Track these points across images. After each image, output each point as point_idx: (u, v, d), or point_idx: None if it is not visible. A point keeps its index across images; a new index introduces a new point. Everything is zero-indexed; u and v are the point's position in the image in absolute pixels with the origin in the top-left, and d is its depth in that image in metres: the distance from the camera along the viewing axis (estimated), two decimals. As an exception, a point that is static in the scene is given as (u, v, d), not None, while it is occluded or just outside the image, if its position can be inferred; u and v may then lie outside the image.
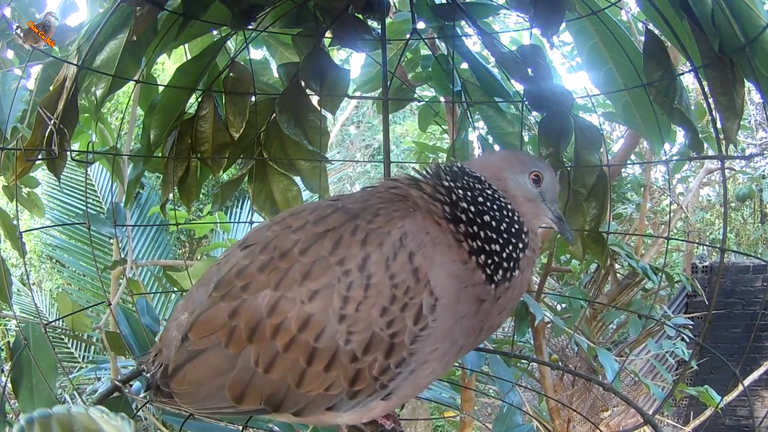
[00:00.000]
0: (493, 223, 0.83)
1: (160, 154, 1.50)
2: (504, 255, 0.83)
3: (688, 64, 1.14)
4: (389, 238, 0.78)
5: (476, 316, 0.82)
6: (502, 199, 0.87)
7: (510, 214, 0.86)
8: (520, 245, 0.85)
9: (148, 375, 0.95)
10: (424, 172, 0.91)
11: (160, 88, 1.50)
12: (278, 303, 0.78)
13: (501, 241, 0.83)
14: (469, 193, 0.84)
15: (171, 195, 1.53)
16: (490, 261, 0.81)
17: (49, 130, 1.11)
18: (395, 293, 0.75)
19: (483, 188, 0.86)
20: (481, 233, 0.82)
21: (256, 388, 0.80)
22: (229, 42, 1.56)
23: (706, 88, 1.04)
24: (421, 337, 0.77)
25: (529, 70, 1.34)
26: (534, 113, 1.57)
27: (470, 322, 0.82)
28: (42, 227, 5.28)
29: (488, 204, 0.84)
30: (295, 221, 0.84)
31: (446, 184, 0.86)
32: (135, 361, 1.43)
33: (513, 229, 0.85)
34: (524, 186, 0.90)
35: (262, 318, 0.78)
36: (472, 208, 0.83)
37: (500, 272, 0.82)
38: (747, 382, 3.38)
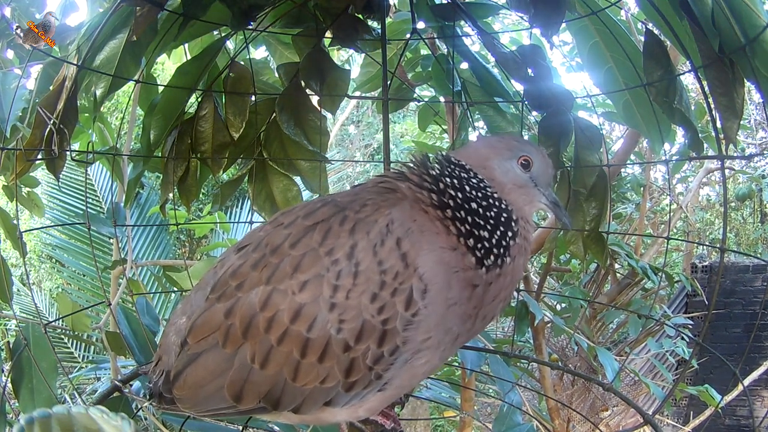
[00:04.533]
0: (480, 210, 0.83)
1: (160, 154, 1.50)
2: (493, 240, 0.82)
3: (688, 64, 1.14)
4: (376, 225, 0.79)
5: (469, 302, 0.82)
6: (487, 188, 0.86)
7: (496, 202, 0.85)
8: (509, 233, 0.84)
9: (151, 384, 0.95)
10: (410, 164, 0.91)
11: (160, 88, 1.49)
12: (270, 296, 0.78)
13: (489, 227, 0.82)
14: (456, 181, 0.85)
15: (171, 195, 1.53)
16: (480, 245, 0.81)
17: (48, 129, 1.11)
18: (384, 279, 0.76)
19: (468, 177, 0.86)
20: (469, 218, 0.82)
21: (254, 386, 0.81)
22: (229, 42, 1.56)
23: (706, 88, 1.04)
24: (412, 324, 0.77)
25: (529, 70, 1.34)
26: (534, 113, 1.57)
27: (463, 308, 0.81)
28: (42, 227, 5.28)
29: (473, 192, 0.84)
30: (286, 218, 0.85)
31: (432, 172, 0.86)
32: (135, 361, 1.43)
33: (502, 218, 0.84)
34: (513, 172, 0.89)
35: (256, 313, 0.79)
36: (459, 195, 0.83)
37: (491, 257, 0.82)
38: (747, 381, 3.38)
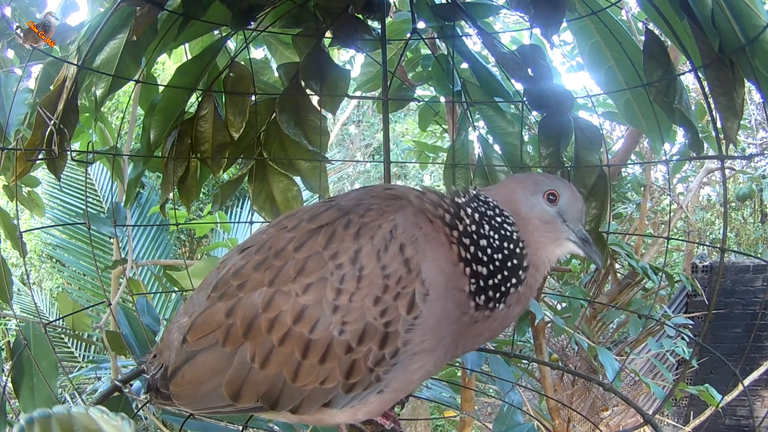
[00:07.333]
0: (489, 250, 0.82)
1: (160, 154, 1.50)
2: (490, 282, 0.82)
3: (688, 64, 1.14)
4: (380, 230, 0.79)
5: (456, 323, 0.82)
6: (508, 227, 0.85)
7: (512, 245, 0.84)
8: (513, 280, 0.83)
9: (148, 376, 0.95)
10: (438, 192, 0.91)
11: (160, 88, 1.50)
12: (273, 298, 0.79)
13: (491, 267, 0.82)
14: (477, 215, 0.84)
15: (171, 195, 1.53)
16: (473, 281, 0.81)
17: (49, 130, 1.11)
18: (387, 283, 0.76)
19: (493, 215, 0.85)
20: (472, 248, 0.82)
21: (253, 385, 0.81)
22: (229, 42, 1.56)
23: (706, 88, 1.04)
24: (414, 326, 0.77)
25: (529, 70, 1.34)
26: (534, 113, 1.57)
27: (453, 327, 0.82)
28: (42, 227, 5.28)
29: (491, 233, 0.83)
30: (290, 221, 0.86)
31: (458, 200, 0.86)
32: (135, 360, 1.43)
33: (509, 263, 0.83)
34: (539, 207, 0.87)
35: (258, 314, 0.79)
36: (473, 228, 0.83)
37: (482, 297, 0.81)
38: (747, 381, 3.38)
